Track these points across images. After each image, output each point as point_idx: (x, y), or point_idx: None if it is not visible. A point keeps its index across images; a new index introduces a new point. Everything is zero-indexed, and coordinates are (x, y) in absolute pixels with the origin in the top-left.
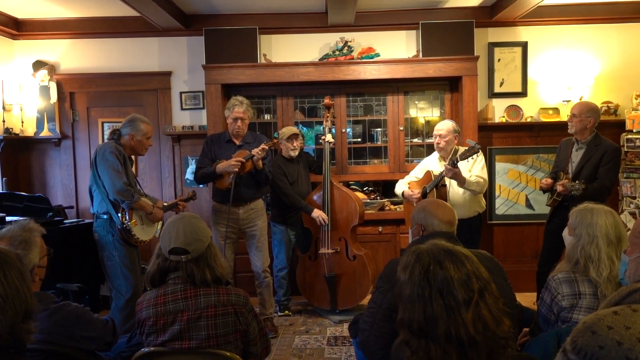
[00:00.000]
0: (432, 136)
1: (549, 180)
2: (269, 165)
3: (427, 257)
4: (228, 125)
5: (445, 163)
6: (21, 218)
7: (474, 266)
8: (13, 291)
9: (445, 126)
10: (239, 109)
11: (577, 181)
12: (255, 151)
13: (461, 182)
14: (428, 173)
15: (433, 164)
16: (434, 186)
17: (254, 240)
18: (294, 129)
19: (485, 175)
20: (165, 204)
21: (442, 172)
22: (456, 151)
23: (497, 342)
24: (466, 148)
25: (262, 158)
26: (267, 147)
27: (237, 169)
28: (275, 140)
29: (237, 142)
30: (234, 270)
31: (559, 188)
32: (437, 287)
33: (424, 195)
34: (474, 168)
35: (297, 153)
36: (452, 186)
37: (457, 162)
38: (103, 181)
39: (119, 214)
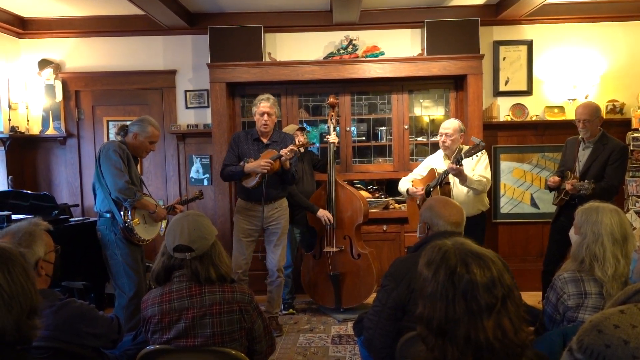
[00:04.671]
0: (436, 135)
1: (557, 179)
2: (295, 165)
3: (454, 257)
4: (255, 122)
5: (450, 161)
6: (27, 216)
7: (500, 272)
8: (18, 288)
9: (451, 125)
10: (265, 103)
11: (586, 180)
12: (283, 152)
13: (463, 180)
14: (432, 171)
15: (437, 162)
16: (438, 184)
17: (274, 238)
18: (296, 125)
19: (489, 175)
20: (162, 206)
21: (445, 170)
22: (460, 149)
23: (514, 349)
24: (470, 146)
25: (289, 158)
26: (295, 149)
27: (266, 170)
28: (304, 141)
29: (265, 141)
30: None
31: (567, 187)
32: (462, 290)
33: (428, 193)
34: (477, 167)
35: (303, 148)
36: (456, 184)
37: (462, 159)
38: (105, 180)
39: (122, 213)
